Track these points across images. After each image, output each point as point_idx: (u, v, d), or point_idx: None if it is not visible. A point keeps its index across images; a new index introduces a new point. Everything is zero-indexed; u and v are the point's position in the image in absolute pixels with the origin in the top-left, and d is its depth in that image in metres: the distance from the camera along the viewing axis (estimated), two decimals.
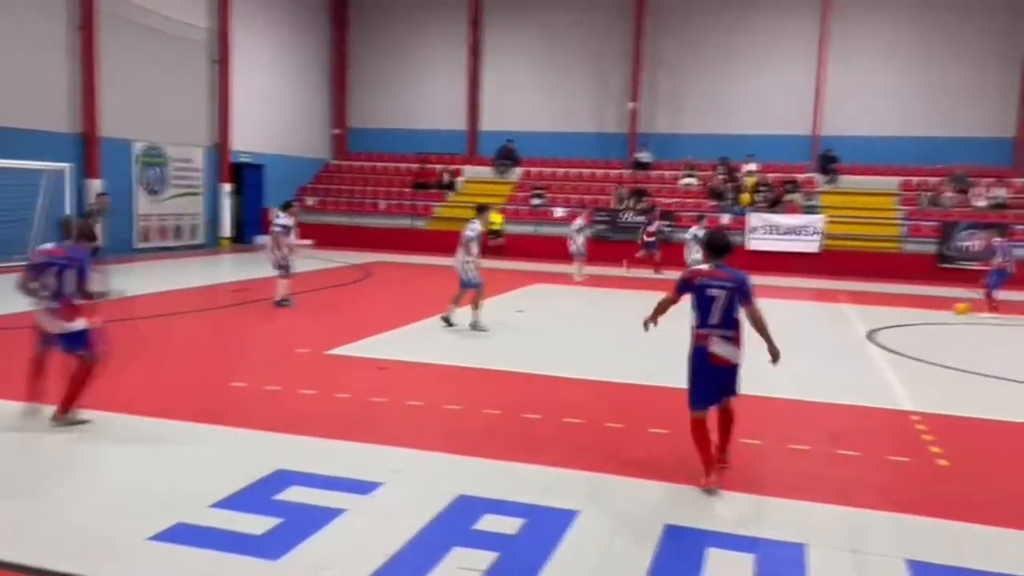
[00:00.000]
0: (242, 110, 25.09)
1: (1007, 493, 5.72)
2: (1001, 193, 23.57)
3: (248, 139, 25.81)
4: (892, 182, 25.35)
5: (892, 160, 25.70)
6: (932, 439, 6.81)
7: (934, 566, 4.44)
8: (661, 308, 5.77)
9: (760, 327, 5.49)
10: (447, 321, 11.31)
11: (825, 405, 8.02)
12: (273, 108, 27.39)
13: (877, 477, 5.90)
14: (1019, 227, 22.21)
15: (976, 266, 21.41)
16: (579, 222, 19.40)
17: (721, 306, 5.45)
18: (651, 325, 5.87)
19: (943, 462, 6.26)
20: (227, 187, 24.75)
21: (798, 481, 5.73)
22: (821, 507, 5.23)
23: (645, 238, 21.50)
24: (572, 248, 18.90)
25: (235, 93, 24.68)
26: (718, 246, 5.69)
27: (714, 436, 5.67)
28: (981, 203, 23.43)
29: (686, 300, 5.64)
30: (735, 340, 5.52)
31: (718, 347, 5.48)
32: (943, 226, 22.26)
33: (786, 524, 4.94)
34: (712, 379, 5.54)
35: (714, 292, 5.46)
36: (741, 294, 5.48)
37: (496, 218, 24.26)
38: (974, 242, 21.75)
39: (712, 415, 5.65)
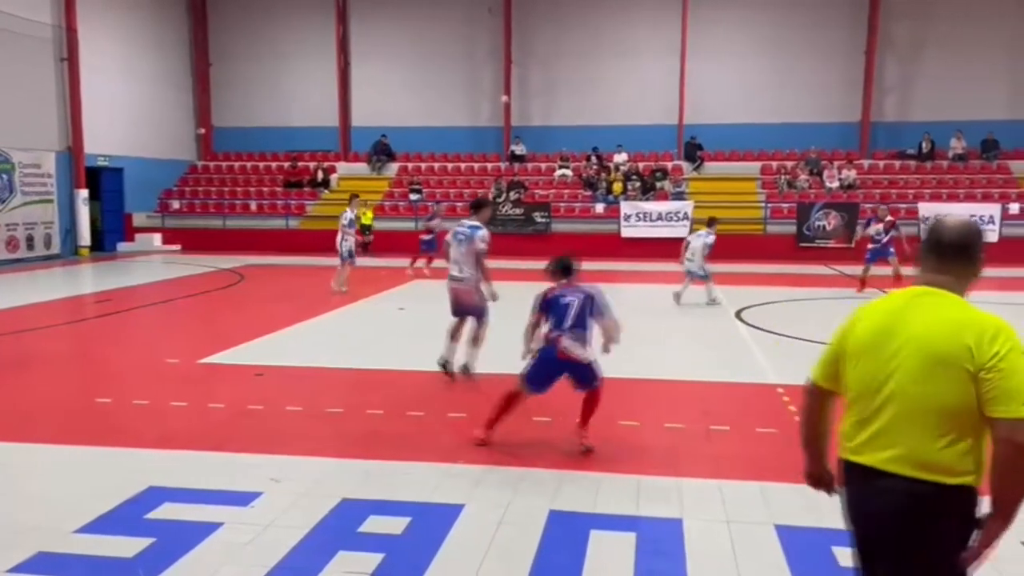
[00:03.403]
0: (96, 111, 23.69)
1: None
2: (851, 175, 25.20)
3: (105, 142, 24.43)
4: (753, 167, 26.67)
5: (752, 146, 27.06)
6: (796, 410, 7.21)
7: (800, 529, 4.72)
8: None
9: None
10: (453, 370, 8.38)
11: (698, 384, 8.35)
12: (130, 108, 26.01)
13: (747, 449, 6.21)
14: (868, 205, 23.83)
15: (831, 244, 22.93)
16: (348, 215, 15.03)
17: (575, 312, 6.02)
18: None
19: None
20: (83, 193, 23.33)
21: (674, 459, 5.96)
22: (696, 482, 5.45)
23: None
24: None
25: (87, 93, 23.27)
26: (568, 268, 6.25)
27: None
28: (833, 184, 24.97)
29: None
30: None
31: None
32: (800, 208, 23.58)
33: (664, 501, 5.13)
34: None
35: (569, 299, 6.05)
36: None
37: (368, 215, 23.82)
38: (829, 221, 23.20)
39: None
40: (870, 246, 15.87)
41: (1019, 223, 22.62)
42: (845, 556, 4.34)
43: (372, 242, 23.63)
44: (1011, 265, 20.18)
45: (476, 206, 8.34)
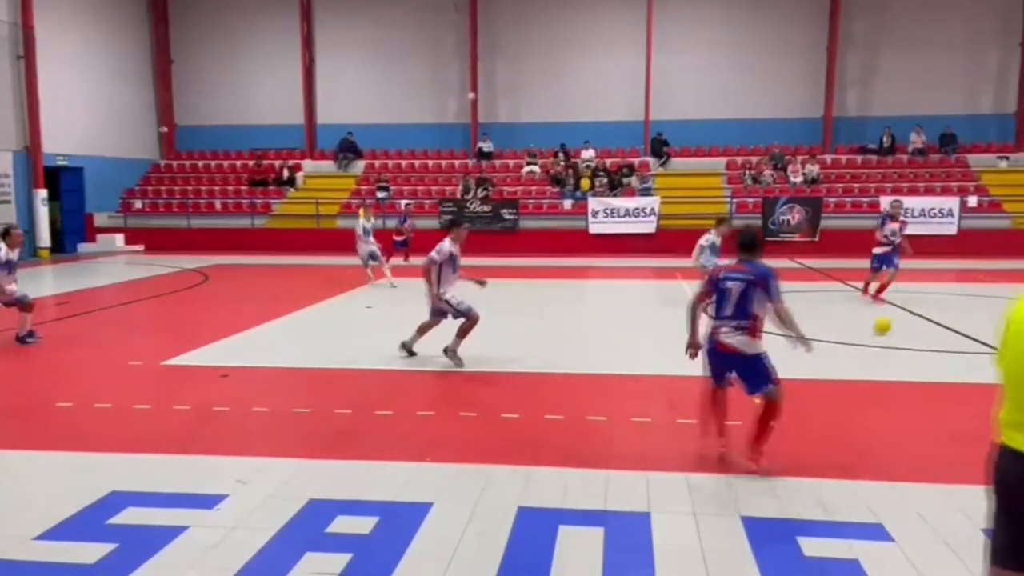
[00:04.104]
0: (55, 110, 23.24)
1: (823, 446, 6.23)
2: (814, 169, 25.53)
3: (64, 141, 23.97)
4: (718, 163, 26.93)
5: (717, 142, 27.32)
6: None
7: (766, 520, 4.77)
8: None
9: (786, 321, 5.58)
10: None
11: (665, 377, 8.38)
12: (90, 107, 25.54)
13: (712, 442, 6.24)
14: (831, 199, 24.17)
15: (796, 238, 23.22)
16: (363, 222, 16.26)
17: (735, 299, 5.55)
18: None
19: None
20: (42, 193, 22.88)
21: (642, 453, 5.99)
22: (664, 475, 5.49)
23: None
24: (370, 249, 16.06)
25: (45, 92, 22.81)
26: (747, 243, 5.82)
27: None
28: (797, 179, 25.28)
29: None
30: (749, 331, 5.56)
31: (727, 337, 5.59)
32: (765, 202, 23.84)
33: (632, 495, 5.15)
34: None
35: (730, 285, 5.58)
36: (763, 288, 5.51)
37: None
38: (794, 216, 23.49)
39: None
40: (879, 249, 13.66)
41: (977, 216, 23.06)
42: (809, 546, 4.42)
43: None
44: (970, 257, 20.62)
45: (448, 226, 9.32)
